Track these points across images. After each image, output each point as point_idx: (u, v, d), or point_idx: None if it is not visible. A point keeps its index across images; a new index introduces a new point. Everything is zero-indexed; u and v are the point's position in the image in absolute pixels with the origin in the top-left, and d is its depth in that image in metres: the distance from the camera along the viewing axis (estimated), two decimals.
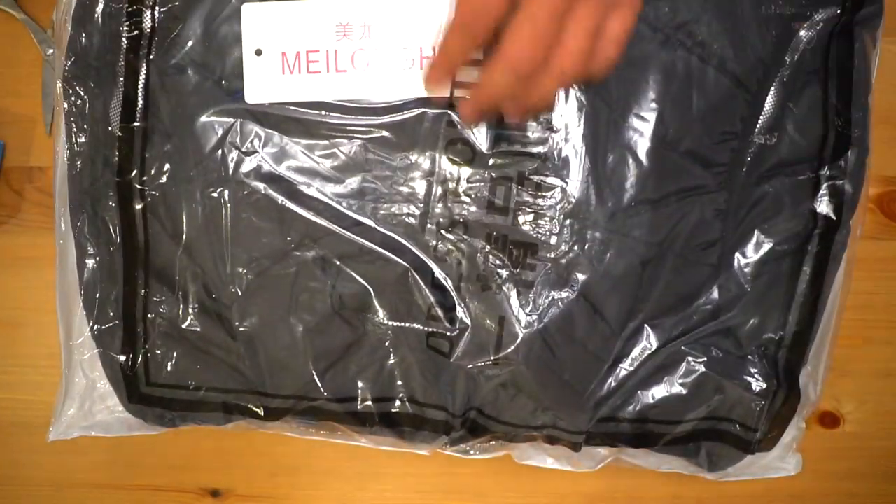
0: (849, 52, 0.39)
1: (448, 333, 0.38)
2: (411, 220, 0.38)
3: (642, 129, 0.38)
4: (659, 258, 0.39)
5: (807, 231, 0.40)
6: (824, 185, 0.40)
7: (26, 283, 0.49)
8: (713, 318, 0.40)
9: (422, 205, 0.38)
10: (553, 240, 0.38)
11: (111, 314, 0.40)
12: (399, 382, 0.40)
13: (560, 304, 0.38)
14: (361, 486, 0.49)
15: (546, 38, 0.31)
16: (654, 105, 0.38)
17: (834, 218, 0.40)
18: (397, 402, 0.40)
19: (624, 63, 0.36)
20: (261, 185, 0.38)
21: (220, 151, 0.38)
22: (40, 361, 0.49)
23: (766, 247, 0.40)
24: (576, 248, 0.38)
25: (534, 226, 0.38)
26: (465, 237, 0.38)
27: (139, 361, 0.40)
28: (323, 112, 0.37)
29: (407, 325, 0.39)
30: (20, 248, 0.49)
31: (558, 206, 0.38)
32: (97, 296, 0.40)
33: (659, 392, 0.41)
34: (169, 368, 0.40)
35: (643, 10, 0.36)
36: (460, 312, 0.38)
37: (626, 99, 0.38)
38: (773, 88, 0.39)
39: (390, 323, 0.39)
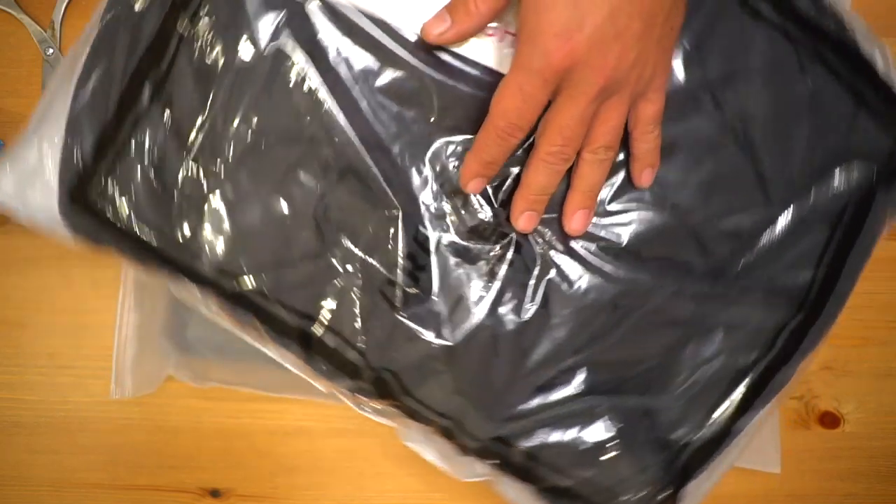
0: (863, 215, 0.40)
1: (406, 289, 0.38)
2: (426, 170, 0.38)
3: (658, 189, 0.38)
4: (627, 310, 0.39)
5: (757, 356, 0.41)
6: (790, 325, 0.41)
7: (26, 283, 0.49)
8: (643, 392, 0.40)
9: (439, 164, 0.38)
10: (538, 246, 0.38)
11: (101, 106, 0.37)
12: (334, 309, 0.39)
13: (522, 306, 0.38)
14: (361, 486, 0.49)
15: (576, 139, 0.35)
16: (681, 174, 0.38)
17: (783, 357, 0.40)
18: (323, 328, 0.39)
19: (678, 125, 0.38)
20: (303, 60, 0.37)
21: (276, 20, 0.37)
22: (40, 361, 0.49)
23: (719, 353, 0.40)
24: (558, 261, 0.38)
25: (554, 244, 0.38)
26: (462, 211, 0.38)
27: (101, 166, 0.38)
28: (393, 41, 0.37)
29: (372, 262, 0.38)
30: (20, 248, 0.49)
31: (555, 222, 0.38)
32: (97, 77, 0.37)
33: (563, 437, 0.40)
34: (121, 189, 0.38)
35: (714, 86, 0.38)
36: (428, 274, 0.38)
37: (661, 157, 0.38)
38: (788, 212, 0.40)
39: (358, 252, 0.38)
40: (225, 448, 0.48)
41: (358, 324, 0.39)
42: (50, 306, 0.49)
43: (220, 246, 0.39)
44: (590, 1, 0.32)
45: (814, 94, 0.39)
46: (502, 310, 0.38)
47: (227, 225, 0.38)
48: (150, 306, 0.46)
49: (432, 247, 0.38)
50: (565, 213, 0.37)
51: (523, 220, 0.37)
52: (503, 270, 0.38)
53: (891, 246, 0.49)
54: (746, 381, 0.41)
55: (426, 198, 0.38)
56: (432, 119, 0.38)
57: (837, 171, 0.40)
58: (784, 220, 0.40)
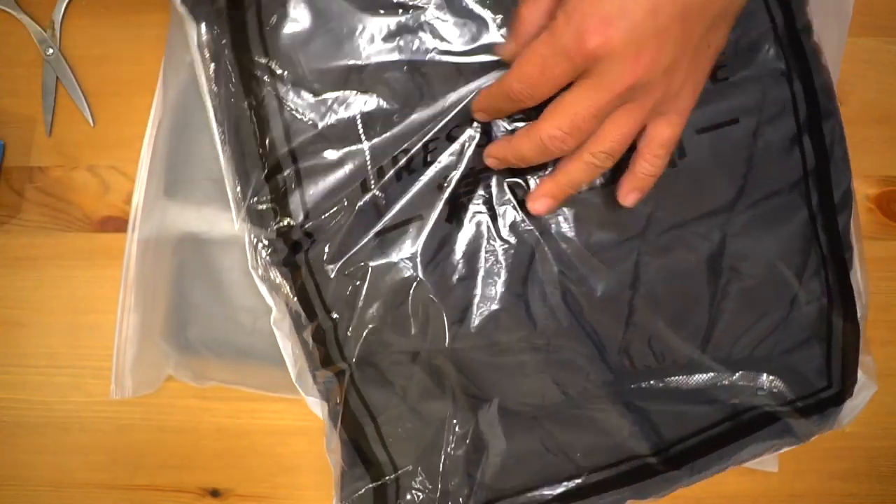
0: (756, 427, 0.41)
1: (382, 184, 0.38)
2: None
3: (633, 265, 0.39)
4: (538, 348, 0.39)
5: (601, 466, 0.41)
6: (636, 462, 0.41)
7: (26, 283, 0.49)
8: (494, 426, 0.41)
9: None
10: (528, 235, 0.38)
11: None
12: (320, 149, 0.38)
13: (463, 271, 0.38)
14: None
15: (583, 133, 0.33)
16: (656, 270, 0.39)
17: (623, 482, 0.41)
18: (291, 168, 0.38)
19: (683, 234, 0.39)
20: None
21: None
22: (40, 361, 0.49)
23: (573, 441, 0.41)
24: (538, 260, 0.39)
25: (520, 223, 0.39)
26: (468, 144, 0.38)
27: None
28: None
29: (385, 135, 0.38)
30: (20, 248, 0.49)
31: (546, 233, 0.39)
32: None
33: (418, 427, 0.40)
34: None
35: (732, 230, 0.39)
36: (415, 173, 0.38)
37: (655, 254, 0.39)
38: (709, 375, 0.41)
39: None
40: (225, 448, 0.48)
41: (329, 156, 0.38)
42: (49, 306, 0.49)
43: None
44: None
45: (796, 300, 0.41)
46: (440, 253, 0.38)
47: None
48: (150, 306, 0.46)
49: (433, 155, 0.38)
50: (533, 192, 0.37)
51: (488, 162, 0.37)
52: (474, 201, 0.38)
53: (891, 246, 0.49)
54: (571, 485, 0.41)
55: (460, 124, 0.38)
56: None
57: (766, 375, 0.41)
58: (701, 378, 0.41)
